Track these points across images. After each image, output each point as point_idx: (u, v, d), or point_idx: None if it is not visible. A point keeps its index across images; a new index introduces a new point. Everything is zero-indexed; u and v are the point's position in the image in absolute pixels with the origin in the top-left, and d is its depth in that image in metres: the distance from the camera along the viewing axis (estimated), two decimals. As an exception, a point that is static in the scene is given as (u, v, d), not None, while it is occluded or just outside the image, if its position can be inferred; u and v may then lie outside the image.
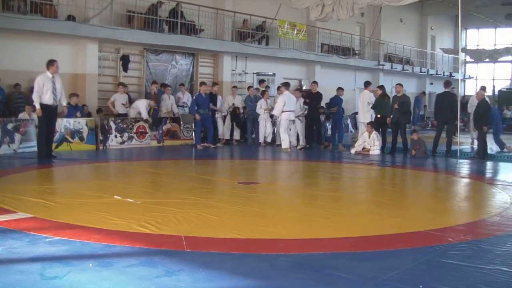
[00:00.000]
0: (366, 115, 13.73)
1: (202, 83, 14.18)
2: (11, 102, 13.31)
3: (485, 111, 12.14)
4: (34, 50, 13.76)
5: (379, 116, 13.01)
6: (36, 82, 10.13)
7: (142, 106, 13.46)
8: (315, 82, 14.62)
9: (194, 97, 13.75)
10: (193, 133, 14.56)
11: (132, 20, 15.45)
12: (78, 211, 5.65)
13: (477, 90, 13.13)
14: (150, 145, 13.58)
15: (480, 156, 11.85)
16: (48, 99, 10.13)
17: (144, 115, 13.38)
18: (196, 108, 13.34)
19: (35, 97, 10.09)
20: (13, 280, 3.54)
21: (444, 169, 10.61)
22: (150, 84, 15.49)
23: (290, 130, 13.51)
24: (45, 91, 10.09)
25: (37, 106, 10.08)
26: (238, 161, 11.79)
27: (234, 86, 15.52)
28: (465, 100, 19.19)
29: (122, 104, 13.79)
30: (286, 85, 13.81)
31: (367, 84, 14.34)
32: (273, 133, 15.00)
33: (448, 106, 12.31)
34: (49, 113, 10.24)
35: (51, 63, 10.24)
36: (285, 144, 13.19)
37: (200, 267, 3.85)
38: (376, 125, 12.96)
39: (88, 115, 13.70)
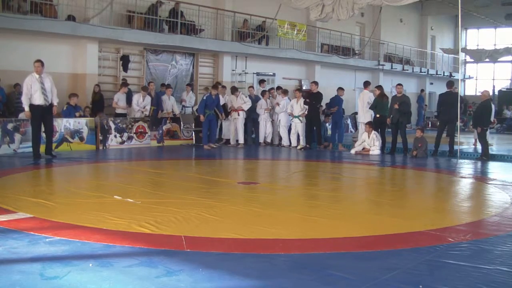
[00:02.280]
0: (366, 115, 13.73)
1: (217, 84, 14.15)
2: (11, 102, 13.32)
3: (486, 112, 12.13)
4: (34, 50, 13.74)
5: (378, 115, 13.01)
6: (24, 84, 10.12)
7: (134, 99, 13.56)
8: (315, 82, 14.62)
9: (204, 98, 13.61)
10: (193, 133, 14.56)
11: (132, 20, 15.45)
12: (78, 211, 5.65)
13: (481, 91, 13.10)
14: (150, 145, 13.58)
15: (487, 156, 11.82)
16: (38, 99, 10.02)
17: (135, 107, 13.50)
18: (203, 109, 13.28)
19: (23, 99, 10.07)
20: (13, 280, 3.54)
21: (444, 169, 10.61)
22: (147, 84, 15.47)
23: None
24: (33, 91, 9.98)
25: (26, 109, 10.05)
26: (238, 161, 11.78)
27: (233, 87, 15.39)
28: (465, 100, 19.22)
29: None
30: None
31: (366, 84, 14.35)
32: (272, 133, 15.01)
33: (452, 106, 12.34)
34: (42, 113, 10.15)
35: (33, 64, 10.15)
36: (241, 140, 14.27)
37: (200, 267, 3.85)
38: (376, 125, 12.96)
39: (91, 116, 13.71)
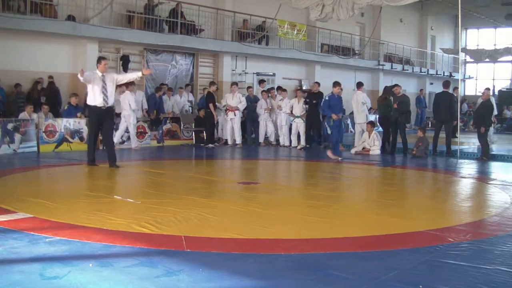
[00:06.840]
0: (361, 116, 13.78)
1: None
2: (11, 102, 13.31)
3: (487, 111, 12.14)
4: (34, 50, 13.77)
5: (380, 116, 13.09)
6: (87, 74, 9.00)
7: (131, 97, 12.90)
8: (317, 83, 14.64)
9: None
10: (193, 133, 14.53)
11: (132, 20, 15.46)
12: (78, 211, 5.64)
13: (483, 90, 13.03)
14: (150, 145, 13.58)
15: (487, 157, 11.82)
16: (97, 100, 8.96)
17: (133, 106, 12.64)
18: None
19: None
20: (13, 280, 3.54)
21: (444, 169, 10.61)
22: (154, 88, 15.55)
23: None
24: (94, 90, 8.94)
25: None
26: (238, 161, 11.78)
27: (234, 83, 15.12)
28: (465, 99, 19.22)
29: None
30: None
31: (359, 85, 14.33)
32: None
33: (446, 106, 12.41)
34: (100, 116, 9.11)
35: (98, 61, 9.18)
36: (239, 139, 14.22)
37: (200, 267, 3.85)
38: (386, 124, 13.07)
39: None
